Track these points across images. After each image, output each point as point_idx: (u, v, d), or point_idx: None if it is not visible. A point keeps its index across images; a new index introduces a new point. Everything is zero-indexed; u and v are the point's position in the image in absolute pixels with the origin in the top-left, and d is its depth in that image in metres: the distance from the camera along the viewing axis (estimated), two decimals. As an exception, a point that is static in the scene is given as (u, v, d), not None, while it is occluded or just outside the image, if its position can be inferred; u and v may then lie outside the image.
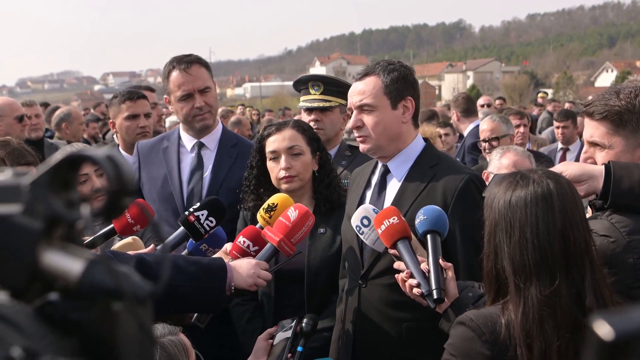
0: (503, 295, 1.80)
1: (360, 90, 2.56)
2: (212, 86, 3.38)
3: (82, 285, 0.66)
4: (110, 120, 4.39)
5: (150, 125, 4.24)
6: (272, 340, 2.44)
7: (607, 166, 2.02)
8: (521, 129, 5.77)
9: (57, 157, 0.69)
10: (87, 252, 0.69)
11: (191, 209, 2.66)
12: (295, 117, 4.28)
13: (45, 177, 0.69)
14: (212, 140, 3.43)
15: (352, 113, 2.61)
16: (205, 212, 2.63)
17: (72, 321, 0.67)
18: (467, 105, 7.02)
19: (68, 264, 0.67)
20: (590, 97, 2.27)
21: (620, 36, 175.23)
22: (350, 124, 2.62)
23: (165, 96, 3.45)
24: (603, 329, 0.51)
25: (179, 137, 3.47)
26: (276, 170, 2.88)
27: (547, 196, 1.73)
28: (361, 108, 2.55)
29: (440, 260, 2.14)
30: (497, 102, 12.95)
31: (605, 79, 79.72)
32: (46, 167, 0.69)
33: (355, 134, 2.60)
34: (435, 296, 2.06)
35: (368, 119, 2.54)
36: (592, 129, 2.17)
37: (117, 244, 2.70)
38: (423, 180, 2.50)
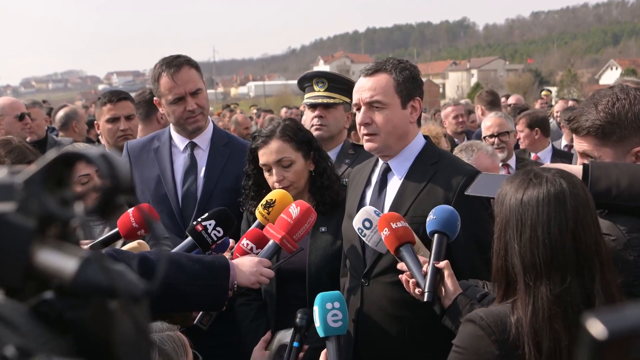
0: (512, 293, 1.79)
1: (371, 87, 2.49)
2: (203, 87, 3.36)
3: (76, 283, 0.66)
4: (96, 122, 4.35)
5: (133, 127, 4.16)
6: (268, 351, 2.44)
7: (586, 166, 2.01)
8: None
9: (50, 155, 0.69)
10: (81, 250, 0.69)
11: (199, 219, 2.65)
12: (303, 118, 4.25)
13: (39, 175, 0.69)
14: (204, 140, 3.41)
15: (358, 110, 2.55)
16: (212, 222, 2.61)
17: (67, 320, 0.67)
18: (492, 98, 6.94)
19: (62, 262, 0.67)
20: (571, 112, 2.26)
21: (625, 34, 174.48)
22: (359, 119, 2.53)
23: (155, 98, 3.41)
24: (596, 328, 0.51)
25: (170, 137, 3.44)
26: (271, 181, 2.89)
27: (560, 196, 1.72)
28: (371, 104, 2.49)
29: (435, 262, 2.15)
30: (503, 99, 12.78)
31: (610, 76, 79.35)
32: (40, 165, 0.69)
33: (363, 131, 2.53)
34: (425, 299, 2.10)
35: (378, 117, 2.48)
36: (579, 144, 2.17)
37: (123, 247, 2.70)
38: (424, 178, 2.49)
